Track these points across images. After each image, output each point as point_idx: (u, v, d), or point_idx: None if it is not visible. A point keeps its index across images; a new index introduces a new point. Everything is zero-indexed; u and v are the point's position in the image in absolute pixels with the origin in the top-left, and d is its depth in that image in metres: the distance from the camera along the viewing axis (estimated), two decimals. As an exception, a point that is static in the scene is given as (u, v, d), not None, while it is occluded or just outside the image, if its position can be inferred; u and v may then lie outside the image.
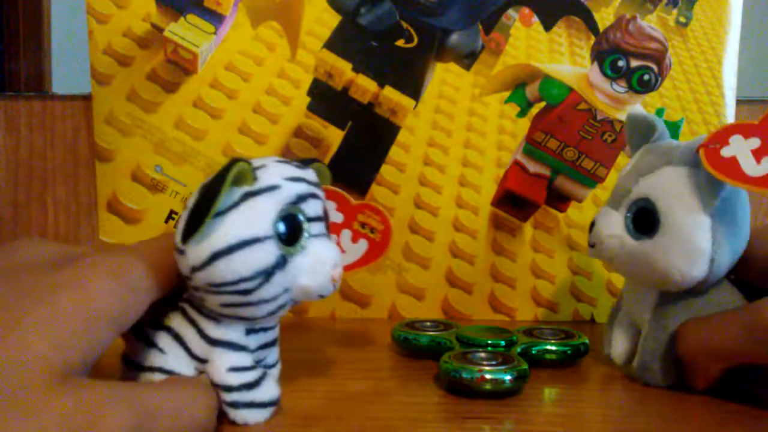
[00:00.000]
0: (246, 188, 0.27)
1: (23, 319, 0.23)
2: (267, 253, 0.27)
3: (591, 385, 0.36)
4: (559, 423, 0.31)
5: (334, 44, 0.46)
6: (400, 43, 0.47)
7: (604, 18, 0.47)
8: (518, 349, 0.36)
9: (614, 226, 0.34)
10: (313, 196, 0.29)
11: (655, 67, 0.47)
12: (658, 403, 0.32)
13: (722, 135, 0.31)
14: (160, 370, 0.28)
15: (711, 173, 0.30)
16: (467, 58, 0.47)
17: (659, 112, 0.48)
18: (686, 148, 0.33)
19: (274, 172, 0.28)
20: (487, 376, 0.31)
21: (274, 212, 0.27)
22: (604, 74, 0.47)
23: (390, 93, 0.47)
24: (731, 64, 0.49)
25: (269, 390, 0.29)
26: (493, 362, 0.32)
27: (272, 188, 0.27)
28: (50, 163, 0.49)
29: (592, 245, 0.35)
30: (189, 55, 0.46)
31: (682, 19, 0.48)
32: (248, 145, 0.47)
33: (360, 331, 0.45)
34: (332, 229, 0.33)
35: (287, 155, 0.47)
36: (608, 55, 0.47)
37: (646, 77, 0.47)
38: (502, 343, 0.37)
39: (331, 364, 0.38)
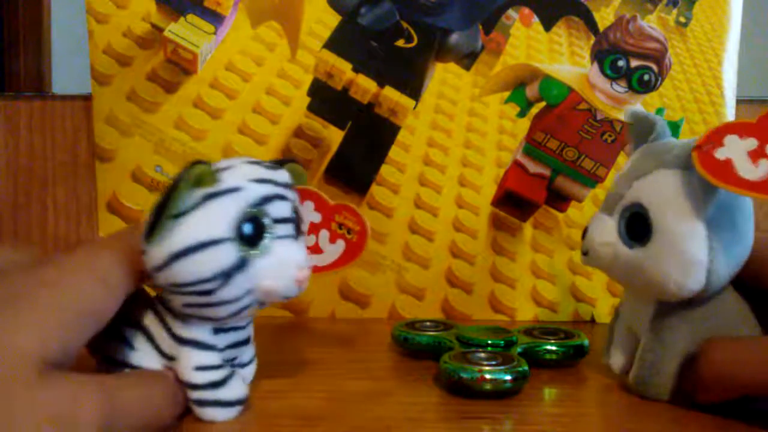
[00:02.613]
0: (208, 190, 0.27)
1: (5, 316, 0.24)
2: (225, 255, 0.26)
3: (591, 384, 0.36)
4: (559, 423, 0.31)
5: (334, 44, 0.46)
6: (400, 43, 0.47)
7: (604, 18, 0.47)
8: (518, 349, 0.36)
9: (607, 233, 0.32)
10: (280, 197, 0.28)
11: (655, 67, 0.47)
12: (658, 404, 0.32)
13: (717, 135, 0.29)
14: (130, 365, 0.29)
15: (704, 177, 0.28)
16: (467, 58, 0.47)
17: (659, 112, 0.48)
18: (680, 150, 0.31)
19: (238, 173, 0.28)
20: (487, 376, 0.31)
21: (235, 214, 0.27)
22: (604, 74, 0.47)
23: (390, 93, 0.47)
24: (731, 64, 0.49)
25: (236, 389, 0.29)
26: (493, 362, 0.32)
27: (234, 190, 0.27)
28: (50, 163, 0.49)
29: (585, 253, 0.34)
30: (189, 55, 0.46)
31: (682, 19, 0.48)
32: (248, 145, 0.47)
33: (360, 331, 0.45)
34: (311, 229, 0.33)
35: (287, 155, 0.47)
36: (608, 55, 0.47)
37: (646, 77, 0.47)
38: (502, 343, 0.37)
39: (331, 364, 0.38)
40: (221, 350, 0.29)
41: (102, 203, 0.47)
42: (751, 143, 0.29)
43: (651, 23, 0.48)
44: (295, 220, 0.29)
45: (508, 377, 0.32)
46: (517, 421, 0.31)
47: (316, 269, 0.33)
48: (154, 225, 0.26)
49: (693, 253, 0.29)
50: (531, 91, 0.48)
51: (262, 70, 0.47)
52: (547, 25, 0.48)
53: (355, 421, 0.30)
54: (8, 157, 0.49)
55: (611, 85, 0.47)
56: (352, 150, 0.47)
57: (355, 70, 0.46)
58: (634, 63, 0.47)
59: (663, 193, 0.30)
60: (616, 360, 0.35)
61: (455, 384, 0.32)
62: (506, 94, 0.48)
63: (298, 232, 0.29)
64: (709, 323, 0.31)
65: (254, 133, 0.47)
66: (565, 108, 0.47)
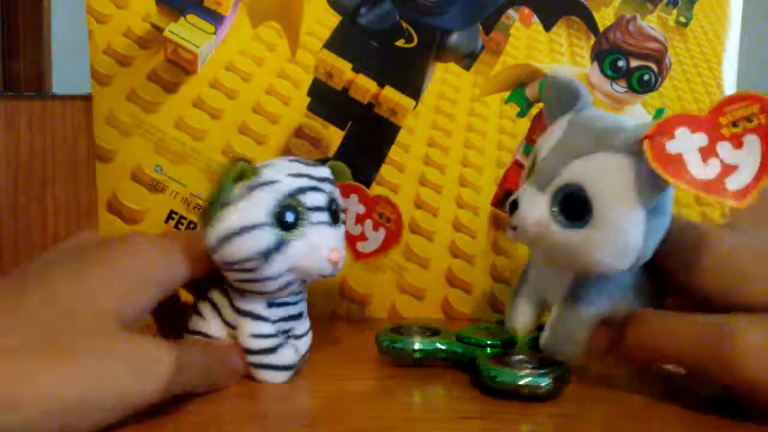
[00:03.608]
0: (250, 183, 0.31)
1: (86, 281, 0.29)
2: (264, 238, 0.31)
3: (589, 384, 0.36)
4: (558, 422, 0.31)
5: (334, 44, 0.46)
6: (400, 43, 0.47)
7: (604, 18, 0.47)
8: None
9: (540, 211, 0.31)
10: (315, 189, 0.32)
11: (655, 67, 0.47)
12: (658, 404, 0.32)
13: (668, 126, 0.29)
14: (200, 333, 0.34)
15: (657, 171, 0.28)
16: (467, 58, 0.47)
17: (659, 112, 0.48)
18: (628, 135, 0.30)
19: (277, 169, 0.32)
20: (525, 381, 0.31)
21: (272, 202, 0.31)
22: (604, 74, 0.47)
23: (390, 93, 0.47)
24: (731, 64, 0.49)
25: (285, 356, 0.33)
26: (530, 365, 0.32)
27: (272, 182, 0.31)
28: (50, 163, 0.49)
29: (513, 228, 0.33)
30: (189, 55, 0.46)
31: (682, 19, 0.48)
32: (248, 145, 0.47)
33: (360, 331, 0.45)
34: (357, 219, 0.39)
35: (287, 155, 0.47)
36: (608, 55, 0.47)
37: (646, 77, 0.47)
38: (500, 342, 0.37)
39: (331, 364, 0.38)
40: (274, 322, 0.33)
41: (102, 203, 0.47)
42: (702, 139, 0.29)
43: (651, 23, 0.48)
44: (332, 209, 0.33)
45: (545, 381, 0.31)
46: (517, 420, 0.31)
47: (363, 255, 0.39)
48: (205, 214, 0.31)
49: (631, 242, 0.30)
50: (531, 91, 0.48)
51: (262, 70, 0.47)
52: (547, 25, 0.48)
53: (355, 421, 0.30)
54: (8, 157, 0.49)
55: (611, 85, 0.47)
56: (352, 150, 0.47)
57: (355, 70, 0.46)
58: (634, 63, 0.47)
59: (608, 179, 0.30)
60: (521, 321, 0.37)
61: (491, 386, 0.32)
62: (506, 94, 0.48)
63: (335, 220, 0.33)
64: (622, 294, 0.33)
65: (254, 133, 0.47)
66: (565, 108, 0.47)
